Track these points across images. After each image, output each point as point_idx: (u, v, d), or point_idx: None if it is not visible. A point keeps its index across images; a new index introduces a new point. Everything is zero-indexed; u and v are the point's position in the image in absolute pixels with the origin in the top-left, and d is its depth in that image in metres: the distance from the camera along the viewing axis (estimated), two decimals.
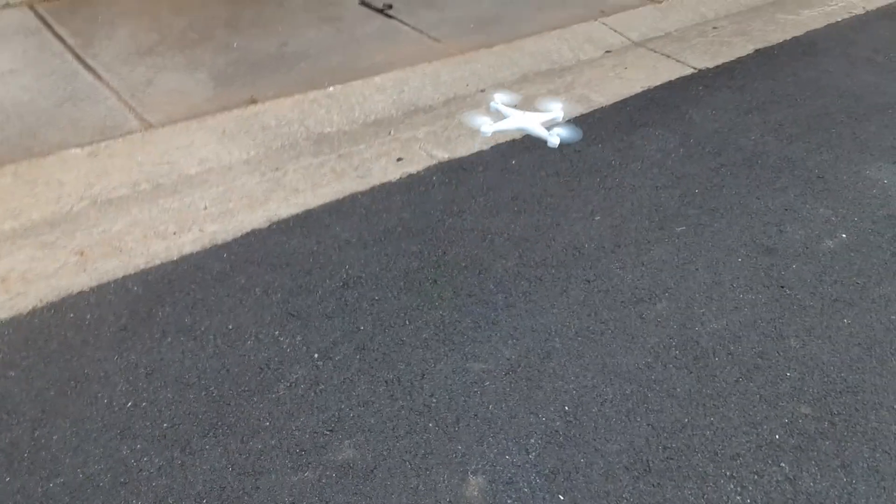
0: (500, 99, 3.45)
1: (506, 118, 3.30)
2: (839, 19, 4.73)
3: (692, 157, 3.16)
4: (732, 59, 4.06)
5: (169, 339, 2.07)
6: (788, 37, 4.41)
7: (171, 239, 2.41)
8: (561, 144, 3.16)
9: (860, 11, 4.88)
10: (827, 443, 1.95)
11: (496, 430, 1.91)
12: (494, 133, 3.20)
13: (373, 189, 2.78)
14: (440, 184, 2.85)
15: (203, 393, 1.92)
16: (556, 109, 3.39)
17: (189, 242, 2.41)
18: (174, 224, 2.48)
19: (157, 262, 2.32)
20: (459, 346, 2.15)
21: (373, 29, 3.94)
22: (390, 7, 4.15)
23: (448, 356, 2.11)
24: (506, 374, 2.07)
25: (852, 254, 2.66)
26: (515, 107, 3.40)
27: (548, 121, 3.31)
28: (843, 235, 2.74)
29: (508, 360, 2.12)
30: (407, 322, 2.21)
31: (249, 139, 2.95)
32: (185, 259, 2.34)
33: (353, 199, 2.72)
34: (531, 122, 3.26)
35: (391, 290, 2.32)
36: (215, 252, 2.39)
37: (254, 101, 3.18)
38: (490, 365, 2.10)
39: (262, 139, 2.96)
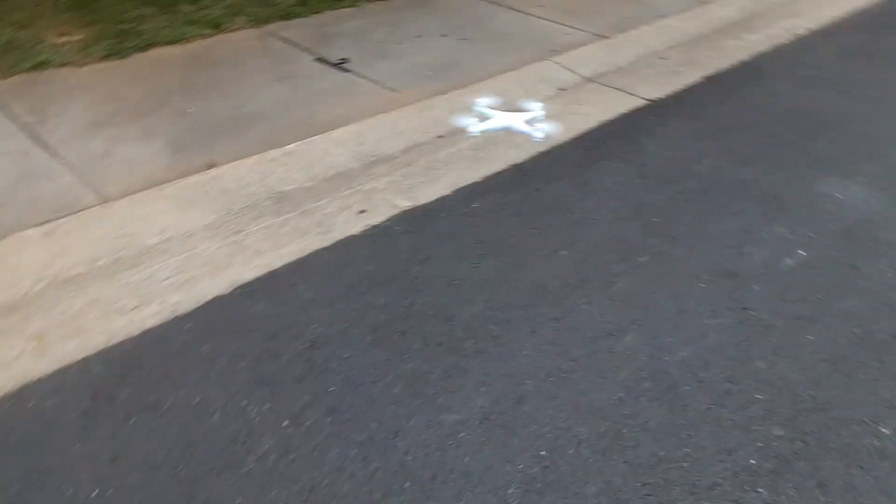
0: (483, 102, 3.76)
1: (490, 118, 3.60)
2: (784, 41, 4.87)
3: (650, 186, 3.21)
4: (682, 87, 4.16)
5: (133, 420, 2.02)
6: (735, 62, 4.53)
7: (131, 314, 2.38)
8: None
9: (804, 32, 5.03)
10: (802, 463, 1.95)
11: (474, 482, 1.89)
12: (483, 132, 3.50)
13: (336, 244, 2.78)
14: (404, 233, 2.86)
15: (171, 474, 1.88)
16: (537, 109, 3.74)
17: (151, 316, 2.38)
18: (135, 298, 2.45)
19: (119, 339, 2.28)
20: (431, 399, 2.13)
21: (330, 84, 3.99)
22: (346, 61, 4.22)
23: (421, 410, 2.09)
24: (479, 424, 2.05)
25: (812, 270, 2.70)
26: (498, 108, 3.70)
27: (530, 118, 3.64)
28: (802, 253, 2.79)
29: (482, 408, 2.10)
30: (377, 378, 2.19)
31: (209, 204, 2.94)
32: (147, 333, 2.31)
33: (316, 256, 2.72)
34: (515, 120, 3.59)
35: (359, 346, 2.31)
36: (178, 323, 2.36)
37: (212, 166, 3.18)
38: (463, 415, 2.08)
39: (222, 203, 2.96)
